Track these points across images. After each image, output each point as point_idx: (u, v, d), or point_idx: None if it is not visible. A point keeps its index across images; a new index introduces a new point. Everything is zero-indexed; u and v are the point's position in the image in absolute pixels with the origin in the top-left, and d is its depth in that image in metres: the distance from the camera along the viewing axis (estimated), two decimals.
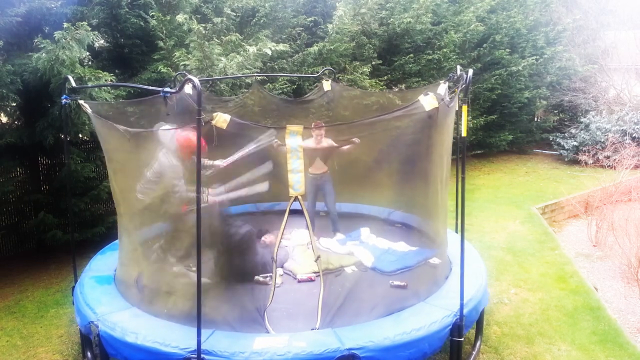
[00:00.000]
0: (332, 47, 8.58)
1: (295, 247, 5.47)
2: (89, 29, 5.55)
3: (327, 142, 5.87)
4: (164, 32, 6.79)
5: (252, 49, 6.78)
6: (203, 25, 6.79)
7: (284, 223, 3.98)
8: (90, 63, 6.87)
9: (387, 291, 4.45)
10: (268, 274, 4.63)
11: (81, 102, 4.29)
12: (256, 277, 4.62)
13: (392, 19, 9.94)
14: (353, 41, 9.31)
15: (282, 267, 4.96)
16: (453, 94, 3.93)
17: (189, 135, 4.05)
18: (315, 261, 4.19)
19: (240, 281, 4.39)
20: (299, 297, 4.44)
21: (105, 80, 5.63)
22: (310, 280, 4.69)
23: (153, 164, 4.13)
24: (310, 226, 4.16)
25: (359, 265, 5.02)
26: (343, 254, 5.37)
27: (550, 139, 14.22)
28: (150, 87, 3.72)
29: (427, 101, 3.61)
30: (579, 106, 14.74)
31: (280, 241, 4.10)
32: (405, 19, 9.85)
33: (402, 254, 5.28)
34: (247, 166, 4.48)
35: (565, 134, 13.85)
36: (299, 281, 4.74)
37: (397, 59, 10.30)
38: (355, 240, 5.78)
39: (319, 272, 4.56)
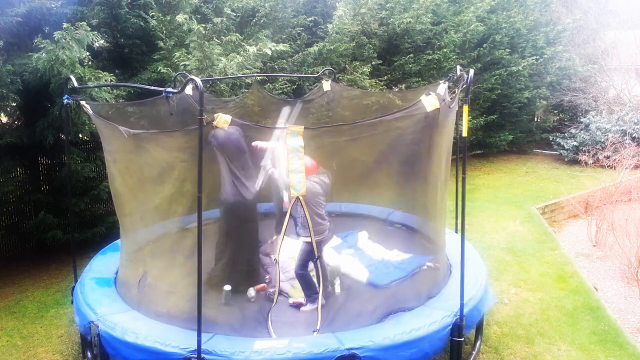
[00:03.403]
0: (332, 47, 8.57)
1: (286, 260, 5.10)
2: (89, 29, 5.55)
3: None
4: (164, 32, 6.79)
5: (252, 49, 6.77)
6: (203, 25, 6.79)
7: (285, 223, 3.98)
8: (90, 63, 6.87)
9: (387, 297, 4.42)
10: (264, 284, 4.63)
11: (82, 102, 4.29)
12: (250, 289, 4.53)
13: (392, 19, 9.93)
14: (353, 41, 9.31)
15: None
16: (454, 95, 3.92)
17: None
18: (315, 261, 4.18)
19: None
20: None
21: (106, 81, 5.63)
22: (300, 305, 4.45)
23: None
24: (311, 227, 4.15)
25: (353, 284, 4.87)
26: (337, 267, 5.08)
27: (550, 139, 14.22)
28: (150, 87, 3.73)
29: (429, 101, 3.61)
30: (579, 106, 14.74)
31: (281, 242, 4.09)
32: (405, 19, 9.85)
33: (396, 264, 5.24)
34: None
35: (565, 134, 13.85)
36: (290, 305, 4.50)
37: (397, 59, 10.30)
38: (351, 248, 5.70)
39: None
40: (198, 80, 3.04)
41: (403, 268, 5.10)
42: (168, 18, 6.81)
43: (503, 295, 5.59)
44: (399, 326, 3.59)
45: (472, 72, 3.61)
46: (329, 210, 6.74)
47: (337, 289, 4.69)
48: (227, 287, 4.35)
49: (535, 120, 15.80)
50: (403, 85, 10.07)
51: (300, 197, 3.83)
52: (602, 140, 12.56)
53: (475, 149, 13.48)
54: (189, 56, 6.62)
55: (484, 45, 12.01)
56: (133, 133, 3.74)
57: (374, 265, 5.26)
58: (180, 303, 3.83)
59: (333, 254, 5.53)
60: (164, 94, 3.42)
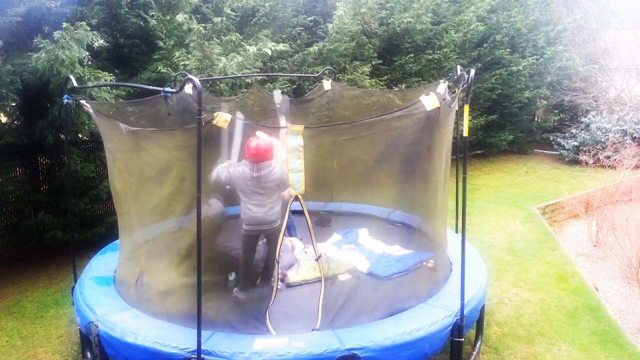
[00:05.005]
0: (332, 47, 8.57)
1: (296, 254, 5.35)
2: (88, 28, 5.54)
3: None
4: (164, 32, 6.78)
5: (252, 49, 6.76)
6: (203, 25, 6.78)
7: (285, 222, 3.97)
8: (89, 63, 6.87)
9: (387, 292, 4.44)
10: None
11: (82, 101, 4.28)
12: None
13: (392, 19, 9.93)
14: (353, 41, 9.30)
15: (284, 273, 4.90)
16: (454, 94, 3.91)
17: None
18: (317, 260, 4.18)
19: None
20: (299, 299, 4.42)
21: (105, 80, 5.63)
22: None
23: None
24: (311, 225, 4.14)
25: (353, 272, 4.96)
26: (339, 260, 5.24)
27: (551, 139, 14.22)
28: (150, 87, 3.72)
29: (429, 101, 3.60)
30: (580, 106, 14.74)
31: (282, 242, 4.08)
32: (405, 18, 9.85)
33: (397, 258, 5.25)
34: None
35: (566, 134, 13.85)
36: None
37: (397, 58, 10.30)
38: (351, 244, 5.72)
39: (314, 280, 4.56)
40: (196, 79, 3.03)
41: (405, 262, 5.09)
42: (168, 18, 6.80)
43: (503, 295, 5.58)
44: (399, 326, 3.58)
45: (473, 72, 3.60)
46: (329, 209, 6.78)
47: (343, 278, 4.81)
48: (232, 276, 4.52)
49: (536, 120, 15.81)
50: (403, 85, 10.07)
51: (299, 196, 3.81)
52: (603, 140, 12.56)
53: (476, 149, 13.48)
54: (188, 56, 6.61)
55: (484, 45, 12.01)
56: (132, 130, 3.73)
57: (375, 257, 5.27)
58: (179, 302, 3.82)
59: (333, 250, 5.53)
60: (162, 93, 3.41)
